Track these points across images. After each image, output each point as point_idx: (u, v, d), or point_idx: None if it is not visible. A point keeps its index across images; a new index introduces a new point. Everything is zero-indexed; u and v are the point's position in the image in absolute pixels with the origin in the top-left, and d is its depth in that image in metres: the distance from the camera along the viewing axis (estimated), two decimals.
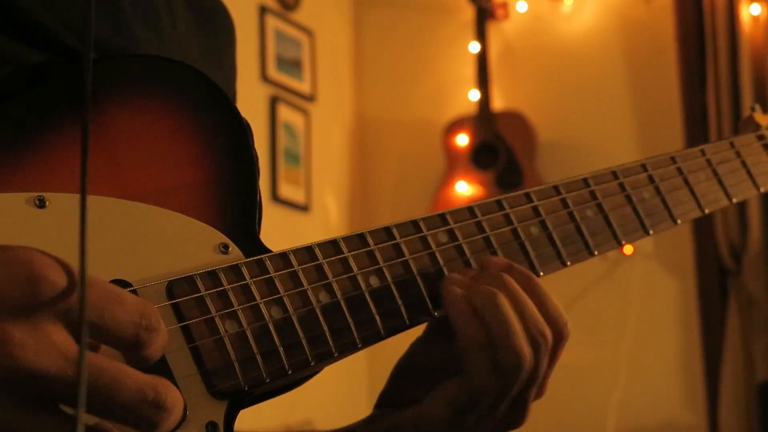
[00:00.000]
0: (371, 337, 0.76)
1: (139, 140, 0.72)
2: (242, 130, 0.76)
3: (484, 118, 4.05)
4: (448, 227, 0.85)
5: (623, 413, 3.73)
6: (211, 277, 0.70)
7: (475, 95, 4.11)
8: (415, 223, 0.83)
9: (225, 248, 0.72)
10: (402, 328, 0.79)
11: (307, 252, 0.75)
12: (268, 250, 0.74)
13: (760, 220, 3.65)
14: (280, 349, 0.71)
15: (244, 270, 0.71)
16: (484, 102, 4.07)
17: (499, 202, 0.89)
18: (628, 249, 3.83)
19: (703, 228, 3.75)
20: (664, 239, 3.82)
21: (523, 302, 0.80)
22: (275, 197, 3.76)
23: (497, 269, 0.82)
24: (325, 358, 0.73)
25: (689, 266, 3.80)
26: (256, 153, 0.76)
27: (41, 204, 0.66)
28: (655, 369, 3.78)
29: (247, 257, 0.72)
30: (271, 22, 3.88)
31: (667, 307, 3.82)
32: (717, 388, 3.62)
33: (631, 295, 3.80)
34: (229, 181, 0.75)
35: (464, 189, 4.02)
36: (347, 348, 0.75)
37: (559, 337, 0.82)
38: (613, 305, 3.81)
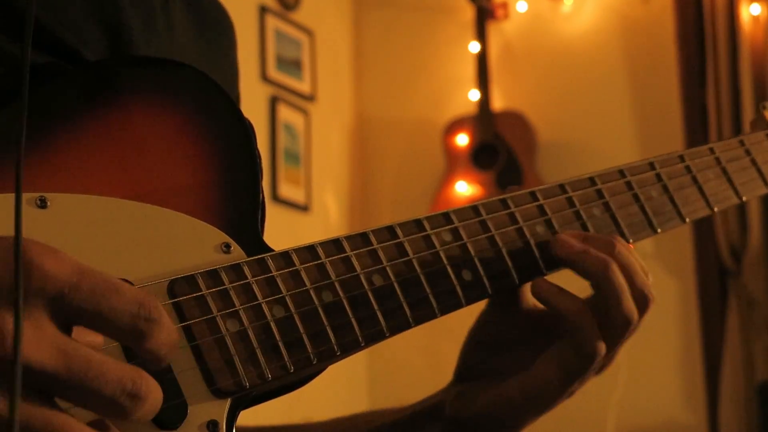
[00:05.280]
0: (374, 336, 0.76)
1: (142, 141, 0.72)
2: (245, 130, 0.76)
3: (484, 118, 4.05)
4: (452, 226, 0.84)
5: (623, 413, 3.73)
6: (213, 276, 0.69)
7: (475, 95, 4.11)
8: (418, 222, 0.83)
9: (227, 247, 0.72)
10: (406, 326, 0.79)
11: (309, 251, 0.75)
12: (270, 250, 0.74)
13: (760, 220, 3.65)
14: (282, 348, 0.70)
15: (246, 269, 0.71)
16: (484, 102, 4.07)
17: (503, 201, 0.88)
18: None
19: (703, 228, 3.75)
20: (664, 239, 3.82)
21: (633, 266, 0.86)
22: (275, 197, 3.76)
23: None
24: (328, 356, 0.73)
25: (689, 266, 3.80)
26: (258, 153, 0.76)
27: (42, 204, 0.66)
28: (655, 369, 3.77)
29: (249, 257, 0.72)
30: (271, 22, 3.88)
31: (667, 307, 3.81)
32: (717, 388, 3.62)
33: None
34: (232, 181, 0.75)
35: (464, 189, 4.02)
36: (350, 347, 0.75)
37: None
38: None
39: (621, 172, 0.96)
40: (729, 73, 3.72)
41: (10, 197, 0.65)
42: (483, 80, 4.08)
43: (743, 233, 3.66)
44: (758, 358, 3.63)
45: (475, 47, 4.13)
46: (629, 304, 0.85)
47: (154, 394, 0.58)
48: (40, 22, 0.75)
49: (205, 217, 0.72)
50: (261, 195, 0.76)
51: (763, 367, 3.61)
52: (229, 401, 0.67)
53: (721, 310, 3.70)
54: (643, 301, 0.87)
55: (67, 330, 0.57)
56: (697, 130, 3.79)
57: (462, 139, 4.10)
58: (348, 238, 0.78)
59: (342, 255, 0.77)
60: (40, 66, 0.73)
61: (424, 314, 0.80)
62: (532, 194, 0.90)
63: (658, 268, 3.84)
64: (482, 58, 4.10)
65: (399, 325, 0.78)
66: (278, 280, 0.72)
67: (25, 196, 0.65)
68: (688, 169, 1.01)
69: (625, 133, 3.94)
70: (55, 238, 0.62)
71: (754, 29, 3.79)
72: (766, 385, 3.55)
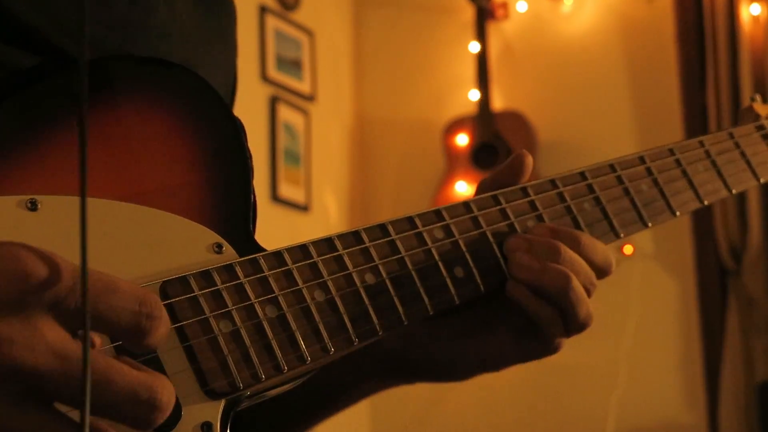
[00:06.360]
0: (367, 334, 0.76)
1: (132, 141, 0.72)
2: (236, 130, 0.76)
3: (484, 118, 4.05)
4: (443, 223, 0.85)
5: (623, 413, 3.73)
6: (205, 276, 0.69)
7: (475, 95, 4.10)
8: (410, 220, 0.83)
9: (219, 248, 0.72)
10: (398, 324, 0.79)
11: (301, 250, 0.75)
12: (262, 250, 0.74)
13: (760, 220, 3.65)
14: (275, 347, 0.70)
15: (238, 269, 0.71)
16: (484, 102, 4.07)
17: (495, 197, 0.89)
18: (628, 249, 3.83)
19: (703, 228, 3.75)
20: (664, 239, 3.82)
21: (579, 266, 0.86)
22: (275, 197, 3.75)
23: (545, 235, 0.87)
24: (321, 355, 0.73)
25: (689, 266, 3.80)
26: (249, 152, 0.76)
27: (33, 207, 0.65)
28: (655, 369, 3.77)
29: (241, 257, 0.72)
30: (271, 22, 3.88)
31: (667, 307, 3.81)
32: (717, 388, 3.61)
33: (631, 295, 3.80)
34: (223, 181, 0.75)
35: (464, 189, 4.02)
36: (343, 345, 0.75)
37: (606, 276, 0.91)
38: (613, 305, 3.80)
39: (611, 167, 0.96)
40: (729, 73, 3.71)
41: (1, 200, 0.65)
42: (483, 80, 4.08)
43: (743, 233, 3.66)
44: (758, 358, 3.62)
45: (475, 47, 4.13)
46: (587, 310, 0.87)
47: (173, 400, 0.58)
48: (31, 24, 0.75)
49: (196, 218, 0.72)
50: (252, 194, 0.75)
51: (763, 367, 3.60)
52: (223, 402, 0.67)
53: (721, 310, 3.69)
54: (589, 293, 0.88)
55: (72, 332, 0.57)
56: (697, 130, 3.78)
57: (462, 139, 4.09)
58: (340, 236, 0.78)
59: (334, 254, 0.77)
60: (30, 68, 0.73)
61: (416, 312, 0.80)
62: (523, 190, 0.90)
63: (658, 268, 3.84)
64: (482, 58, 4.10)
65: (392, 323, 0.78)
66: (270, 280, 0.72)
67: (15, 199, 0.65)
68: (677, 162, 1.02)
69: (625, 133, 3.94)
70: (46, 241, 0.62)
71: (754, 29, 3.79)
72: (766, 385, 3.55)
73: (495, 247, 0.87)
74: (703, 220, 3.72)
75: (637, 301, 3.80)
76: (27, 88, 0.70)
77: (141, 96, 0.73)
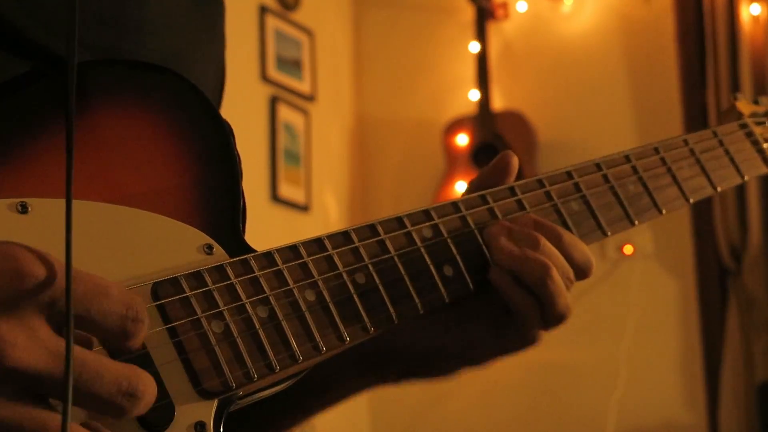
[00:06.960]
0: (357, 334, 0.77)
1: (123, 144, 0.72)
2: (224, 132, 0.76)
3: (484, 118, 4.05)
4: (432, 222, 0.85)
5: (623, 413, 3.73)
6: (196, 277, 0.70)
7: (475, 95, 4.11)
8: (399, 219, 0.84)
9: (209, 249, 0.72)
10: (389, 323, 0.79)
11: (291, 251, 0.76)
12: (252, 250, 0.74)
13: (760, 220, 3.65)
14: (267, 347, 0.71)
15: (229, 270, 0.71)
16: (484, 102, 4.07)
17: (483, 196, 0.90)
18: (628, 249, 3.83)
19: (703, 228, 3.75)
20: (664, 239, 3.82)
21: (557, 259, 0.86)
22: (275, 197, 3.76)
23: (528, 226, 0.87)
24: (313, 354, 0.74)
25: (689, 266, 3.80)
26: (238, 156, 0.76)
27: (23, 210, 0.66)
28: (655, 369, 3.77)
29: (231, 257, 0.72)
30: (271, 22, 3.89)
31: (667, 307, 3.81)
32: (717, 388, 3.61)
33: (631, 295, 3.80)
34: (213, 182, 0.75)
35: (464, 189, 4.01)
36: (334, 344, 0.75)
37: (585, 277, 0.90)
38: (613, 305, 3.80)
39: (597, 166, 0.97)
40: (729, 73, 3.71)
41: None
42: (483, 80, 4.08)
43: (743, 233, 3.66)
44: (758, 358, 3.62)
45: (475, 47, 4.13)
46: (565, 302, 0.86)
47: (150, 391, 0.59)
48: (23, 28, 0.75)
49: (186, 219, 0.72)
50: (242, 196, 0.76)
51: (763, 367, 3.60)
52: (215, 402, 0.68)
53: (721, 310, 3.69)
54: (570, 285, 0.88)
55: (60, 332, 0.57)
56: (697, 130, 3.76)
57: (462, 139, 4.10)
58: (329, 236, 0.78)
59: (324, 254, 0.77)
60: (23, 74, 0.73)
61: (407, 310, 0.80)
62: (511, 189, 0.91)
63: (658, 268, 3.84)
64: (482, 58, 4.10)
65: (382, 322, 0.79)
66: (261, 280, 0.73)
67: (6, 202, 0.65)
68: (663, 161, 1.03)
69: (625, 133, 3.94)
70: (37, 244, 0.62)
71: (754, 29, 3.79)
72: (766, 385, 3.55)
73: (484, 246, 0.87)
74: (703, 220, 3.72)
75: (637, 301, 3.80)
76: (17, 93, 0.71)
77: (131, 100, 0.74)
